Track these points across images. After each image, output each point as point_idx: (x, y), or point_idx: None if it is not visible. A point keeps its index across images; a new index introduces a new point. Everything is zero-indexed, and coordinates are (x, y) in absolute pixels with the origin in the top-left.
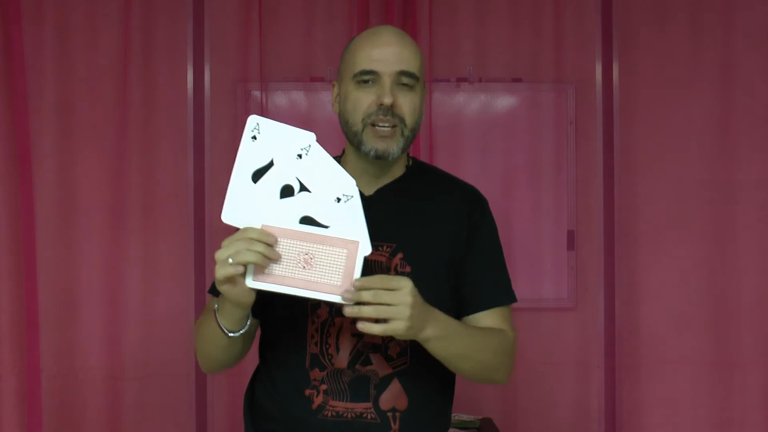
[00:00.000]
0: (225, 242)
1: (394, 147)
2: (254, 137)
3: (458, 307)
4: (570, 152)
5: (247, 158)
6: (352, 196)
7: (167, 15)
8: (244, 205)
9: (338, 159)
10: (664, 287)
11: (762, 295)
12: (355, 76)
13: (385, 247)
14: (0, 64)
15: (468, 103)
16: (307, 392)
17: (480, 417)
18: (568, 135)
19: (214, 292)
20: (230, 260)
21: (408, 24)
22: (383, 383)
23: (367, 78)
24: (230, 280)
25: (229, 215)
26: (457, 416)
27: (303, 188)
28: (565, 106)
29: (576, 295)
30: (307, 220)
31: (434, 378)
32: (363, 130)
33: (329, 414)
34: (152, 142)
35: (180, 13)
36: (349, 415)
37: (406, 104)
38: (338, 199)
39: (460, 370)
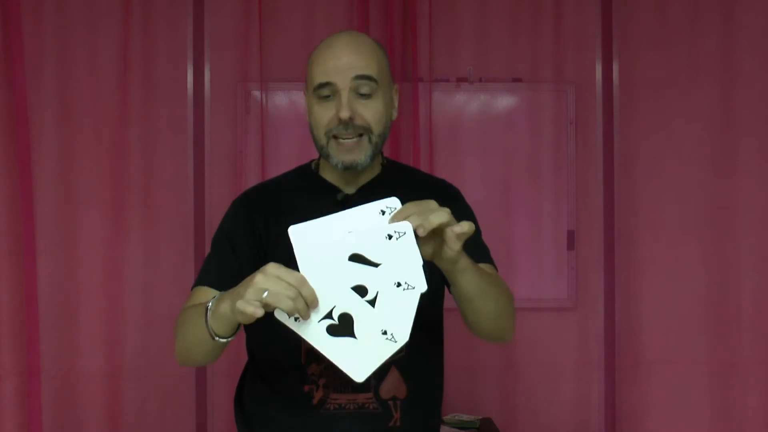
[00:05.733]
0: (273, 270)
1: (361, 157)
2: (383, 212)
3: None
4: (570, 152)
5: (359, 219)
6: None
7: (167, 15)
8: (316, 237)
9: (316, 164)
10: (664, 287)
11: (762, 295)
12: (314, 90)
13: None
14: (0, 64)
15: (468, 103)
16: (306, 388)
17: (480, 417)
18: (568, 135)
19: (207, 282)
20: (265, 294)
21: (408, 24)
22: (382, 372)
23: (326, 92)
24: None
25: (299, 231)
26: (457, 416)
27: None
28: (565, 106)
29: (576, 295)
30: (356, 257)
31: (428, 365)
32: (327, 143)
33: (331, 407)
34: (152, 141)
35: (180, 13)
36: (352, 407)
37: (368, 113)
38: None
39: (483, 312)
